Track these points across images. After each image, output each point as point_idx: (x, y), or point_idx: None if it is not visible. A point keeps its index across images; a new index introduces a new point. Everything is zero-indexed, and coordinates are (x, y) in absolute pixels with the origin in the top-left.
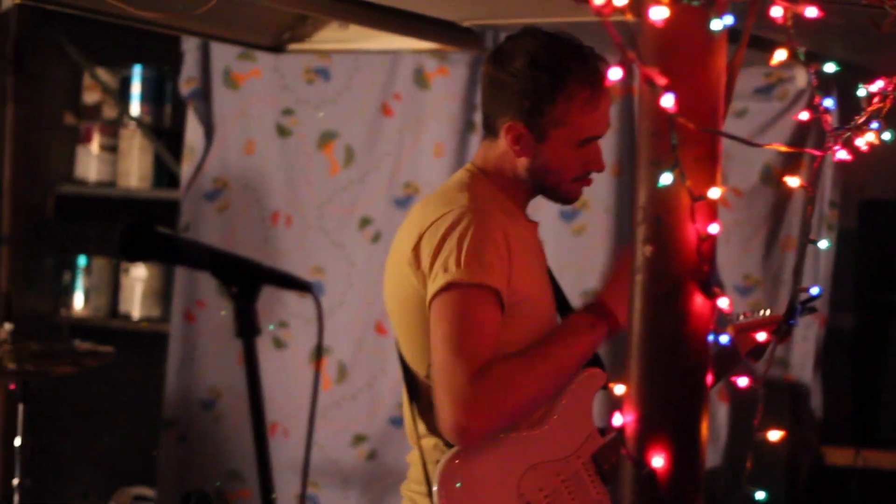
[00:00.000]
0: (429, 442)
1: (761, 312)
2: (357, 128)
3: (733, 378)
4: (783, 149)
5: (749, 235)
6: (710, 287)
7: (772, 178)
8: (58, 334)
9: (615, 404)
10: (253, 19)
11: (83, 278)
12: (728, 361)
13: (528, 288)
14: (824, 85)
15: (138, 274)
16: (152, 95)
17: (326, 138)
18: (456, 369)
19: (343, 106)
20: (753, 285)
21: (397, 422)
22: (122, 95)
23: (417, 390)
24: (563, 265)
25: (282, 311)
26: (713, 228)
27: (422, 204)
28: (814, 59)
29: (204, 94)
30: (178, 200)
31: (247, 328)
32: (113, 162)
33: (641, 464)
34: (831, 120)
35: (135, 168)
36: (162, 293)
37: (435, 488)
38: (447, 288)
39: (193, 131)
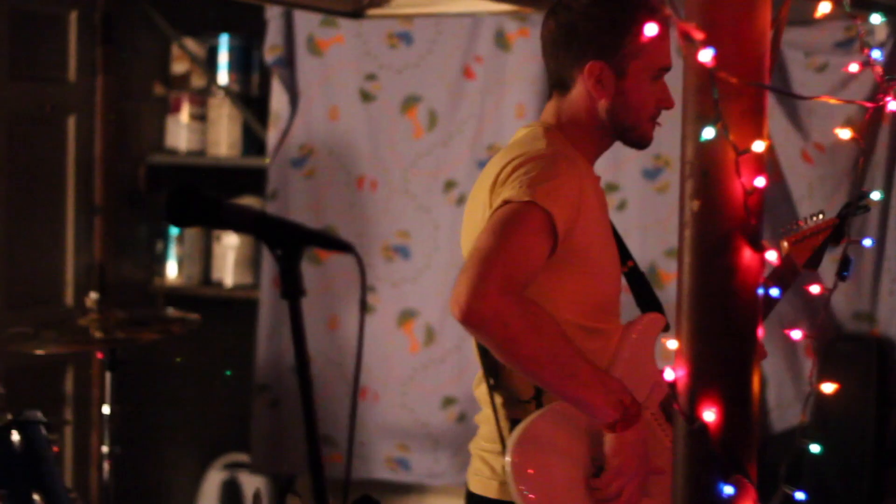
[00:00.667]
0: (499, 399)
1: (814, 219)
2: (440, 91)
3: (787, 331)
4: (832, 101)
5: (831, 190)
6: (759, 240)
7: (853, 131)
8: (151, 303)
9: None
10: None
11: (176, 247)
12: (787, 275)
13: (595, 239)
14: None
15: (230, 242)
16: (240, 64)
17: (410, 102)
18: (496, 258)
19: (425, 70)
20: (858, 238)
21: None
22: (210, 65)
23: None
24: (646, 224)
25: (369, 275)
26: (759, 182)
27: (498, 156)
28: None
29: (288, 62)
30: (265, 168)
31: (292, 290)
32: (202, 131)
33: (692, 418)
34: (882, 71)
35: (224, 137)
36: (253, 260)
37: (510, 447)
38: (507, 203)
39: (279, 99)
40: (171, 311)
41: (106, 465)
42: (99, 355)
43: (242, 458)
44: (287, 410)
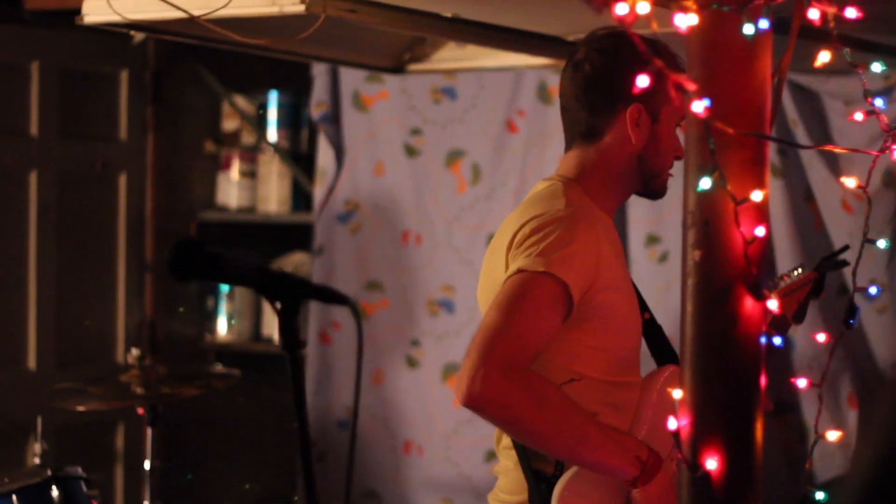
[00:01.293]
0: (521, 449)
1: (796, 273)
2: (483, 145)
3: (792, 380)
4: (838, 150)
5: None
6: (760, 289)
7: (894, 181)
8: (202, 359)
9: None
10: (372, 42)
11: (226, 303)
12: (780, 329)
13: (615, 296)
14: None
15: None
16: (289, 121)
17: (454, 156)
18: (500, 337)
19: (469, 124)
20: (864, 287)
21: None
22: (260, 122)
23: None
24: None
25: (414, 329)
26: (760, 231)
27: (516, 211)
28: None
29: (334, 118)
30: (313, 224)
31: (291, 342)
32: (252, 187)
33: (695, 466)
34: (887, 119)
35: (273, 193)
36: (302, 316)
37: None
38: (520, 272)
39: (325, 154)
40: (216, 367)
41: None
42: (140, 411)
43: None
44: (333, 465)
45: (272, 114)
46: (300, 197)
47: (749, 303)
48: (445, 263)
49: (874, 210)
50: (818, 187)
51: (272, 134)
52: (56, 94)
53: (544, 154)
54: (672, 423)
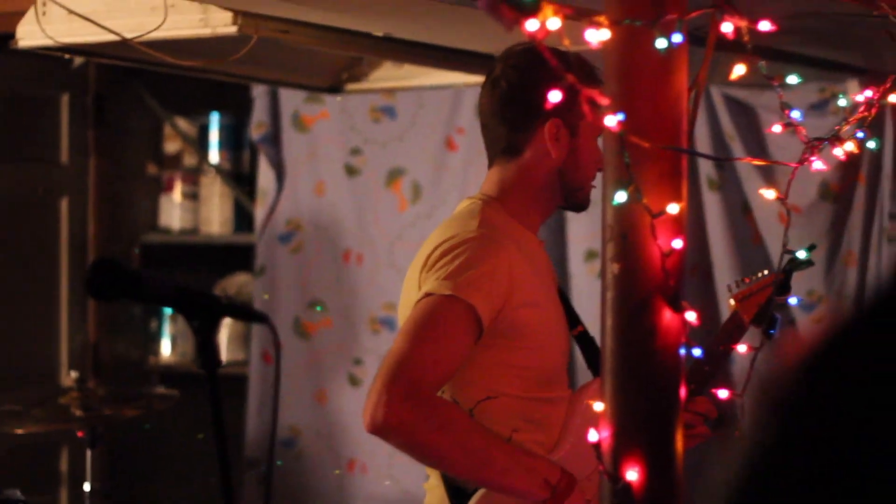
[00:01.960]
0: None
1: (759, 275)
2: (423, 163)
3: (714, 390)
4: (756, 162)
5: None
6: (678, 301)
7: (829, 193)
8: (147, 381)
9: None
10: (309, 62)
11: (170, 325)
12: (735, 332)
13: (534, 313)
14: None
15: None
16: (230, 142)
17: (394, 175)
18: (405, 364)
19: (409, 143)
20: (817, 301)
21: None
22: (202, 143)
23: None
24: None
25: (356, 348)
26: (677, 244)
27: (435, 232)
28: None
29: (274, 138)
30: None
31: (209, 360)
32: (194, 209)
33: (616, 478)
34: (805, 131)
35: (215, 214)
36: (246, 337)
37: None
38: (428, 296)
39: (265, 175)
40: (157, 388)
41: None
42: (80, 433)
43: None
44: (276, 484)
45: (213, 135)
46: (242, 218)
47: (668, 315)
48: (387, 282)
49: (811, 222)
50: (755, 200)
51: (214, 155)
52: None
53: (484, 171)
54: (593, 435)
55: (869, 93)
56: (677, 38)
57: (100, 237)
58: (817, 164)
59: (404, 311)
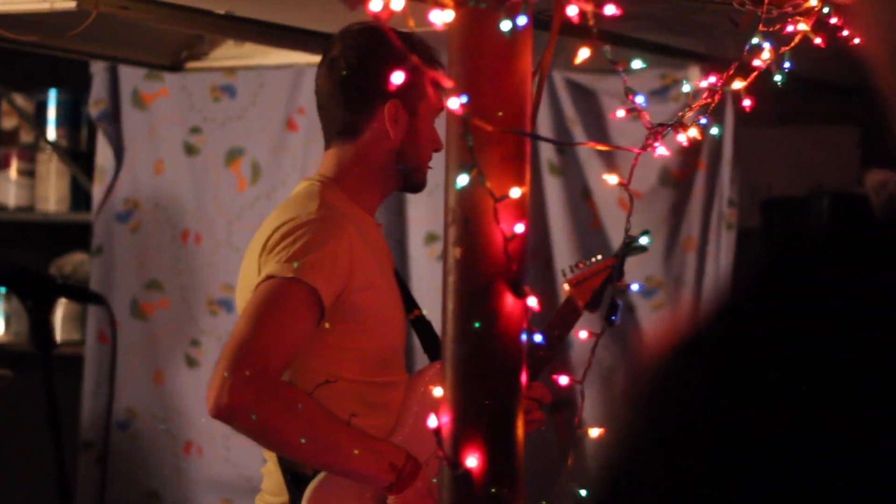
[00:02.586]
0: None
1: (594, 259)
2: (263, 144)
3: (554, 376)
4: (600, 147)
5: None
6: (521, 286)
7: (670, 179)
8: None
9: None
10: (150, 39)
11: (3, 304)
12: (570, 317)
13: (373, 295)
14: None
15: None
16: (68, 119)
17: (234, 155)
18: (248, 346)
19: (249, 122)
20: (656, 287)
21: None
22: (39, 120)
23: None
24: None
25: (194, 329)
26: (519, 228)
27: (273, 213)
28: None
29: (113, 116)
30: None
31: (43, 341)
32: (31, 187)
33: (456, 464)
34: (648, 117)
35: (52, 192)
36: (82, 317)
37: None
38: (269, 278)
39: (104, 153)
40: None
41: None
42: None
43: None
44: (112, 466)
45: (51, 112)
46: (79, 196)
47: (509, 300)
48: (225, 263)
49: (651, 207)
50: (595, 185)
51: (51, 132)
52: None
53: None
54: (433, 421)
55: (713, 79)
56: (522, 20)
57: None
58: (660, 150)
59: (243, 295)
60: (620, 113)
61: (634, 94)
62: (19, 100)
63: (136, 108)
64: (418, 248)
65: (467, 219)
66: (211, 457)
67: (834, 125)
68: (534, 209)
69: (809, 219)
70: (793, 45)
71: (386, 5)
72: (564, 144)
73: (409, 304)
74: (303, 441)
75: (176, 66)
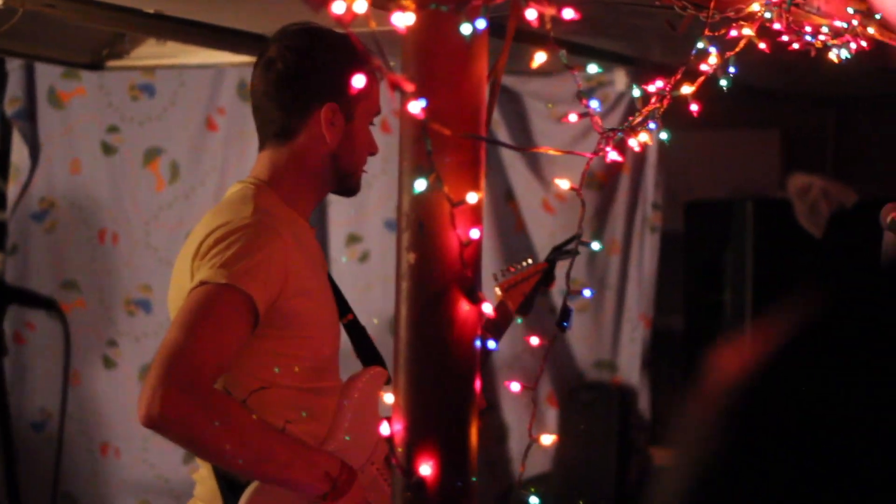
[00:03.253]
0: None
1: (525, 263)
2: (182, 143)
3: (506, 383)
4: (552, 152)
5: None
6: (475, 292)
7: (594, 182)
8: None
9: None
10: (69, 37)
11: None
12: (501, 322)
13: (307, 301)
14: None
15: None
16: None
17: (152, 155)
18: (181, 355)
19: (168, 122)
20: (578, 289)
21: None
22: None
23: None
24: (388, 275)
25: (111, 330)
26: (474, 234)
27: (206, 217)
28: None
29: (29, 114)
30: (5, 222)
31: None
32: None
33: (409, 472)
34: (601, 122)
35: None
36: None
37: None
38: (202, 284)
39: (19, 151)
40: None
41: None
42: None
43: None
44: (27, 468)
45: None
46: None
47: (464, 306)
48: (143, 263)
49: (575, 210)
50: (519, 188)
51: None
52: None
53: (245, 153)
54: (385, 428)
55: (660, 83)
56: (481, 23)
57: None
58: (612, 156)
59: (175, 301)
60: (573, 117)
61: (588, 98)
62: None
63: (53, 106)
64: (339, 250)
65: (422, 224)
66: (128, 458)
67: (756, 129)
68: None
69: (732, 222)
70: (737, 49)
71: (348, 7)
72: (521, 150)
73: (343, 308)
74: (236, 451)
75: (96, 65)
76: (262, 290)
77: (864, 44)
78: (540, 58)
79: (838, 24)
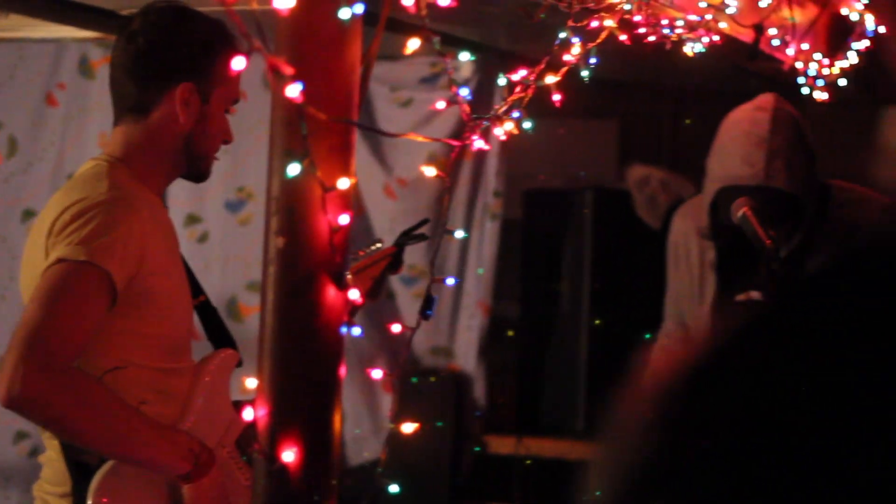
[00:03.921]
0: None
1: (373, 248)
2: (20, 118)
3: (368, 370)
4: (419, 138)
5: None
6: (343, 278)
7: (438, 165)
8: None
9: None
10: None
11: None
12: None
13: (163, 280)
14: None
15: None
16: None
17: None
18: (41, 334)
19: (6, 96)
20: (418, 275)
21: None
22: None
23: None
24: (228, 256)
25: None
26: (344, 219)
27: (58, 194)
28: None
29: None
30: None
31: None
32: None
33: (272, 458)
34: (469, 109)
35: None
36: None
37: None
38: (59, 262)
39: None
40: None
41: None
42: None
43: None
44: None
45: None
46: None
47: (332, 292)
48: None
49: (417, 195)
50: (361, 172)
51: None
52: None
53: (85, 129)
54: (249, 414)
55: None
56: (359, 8)
57: None
58: (478, 144)
59: (29, 280)
60: (440, 104)
61: (459, 85)
62: None
63: None
64: (178, 231)
65: (292, 209)
66: None
67: (595, 119)
68: None
69: (572, 211)
70: (599, 41)
71: None
72: (392, 136)
73: (195, 289)
74: (99, 431)
75: None
76: (121, 268)
77: (716, 38)
78: (413, 44)
79: (692, 17)
